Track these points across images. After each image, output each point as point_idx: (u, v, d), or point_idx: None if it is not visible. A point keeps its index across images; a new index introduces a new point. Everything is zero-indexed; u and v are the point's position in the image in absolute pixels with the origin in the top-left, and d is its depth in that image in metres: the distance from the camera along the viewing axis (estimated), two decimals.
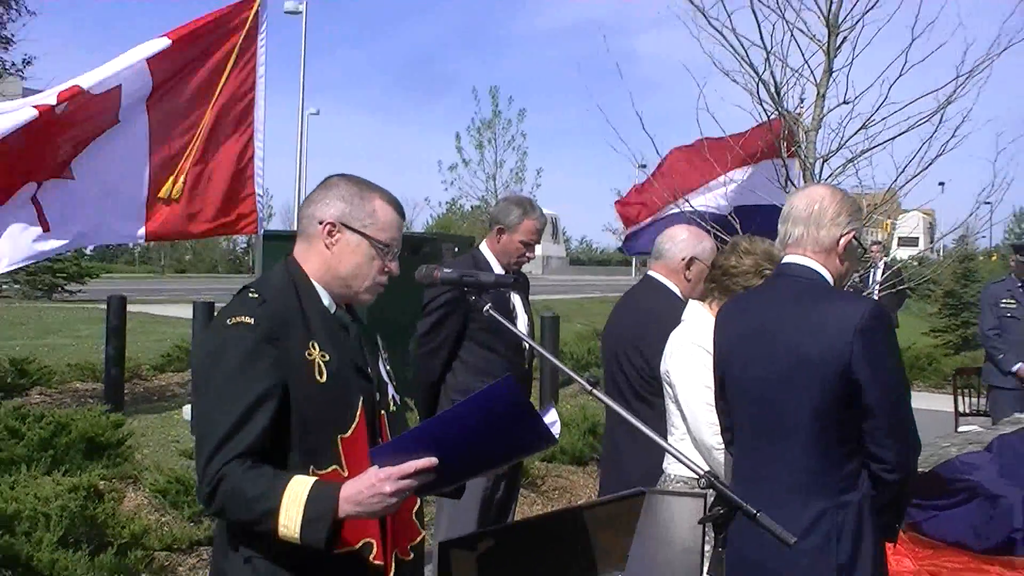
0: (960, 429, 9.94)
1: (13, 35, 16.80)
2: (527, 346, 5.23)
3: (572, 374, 2.52)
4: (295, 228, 3.17)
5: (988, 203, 8.48)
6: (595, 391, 2.47)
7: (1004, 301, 9.55)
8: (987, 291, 10.04)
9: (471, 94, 33.54)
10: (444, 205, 42.11)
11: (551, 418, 2.87)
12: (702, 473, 2.34)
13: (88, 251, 38.74)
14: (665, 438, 4.09)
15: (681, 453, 2.50)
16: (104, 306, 11.63)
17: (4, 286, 31.76)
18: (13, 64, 16.93)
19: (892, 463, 3.16)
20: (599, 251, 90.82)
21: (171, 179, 6.01)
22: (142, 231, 5.64)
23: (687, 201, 8.06)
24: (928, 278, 9.11)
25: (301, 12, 33.48)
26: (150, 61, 5.65)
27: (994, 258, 36.46)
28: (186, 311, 23.42)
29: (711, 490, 2.35)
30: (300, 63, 35.78)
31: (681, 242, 4.65)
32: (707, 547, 2.90)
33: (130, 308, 12.35)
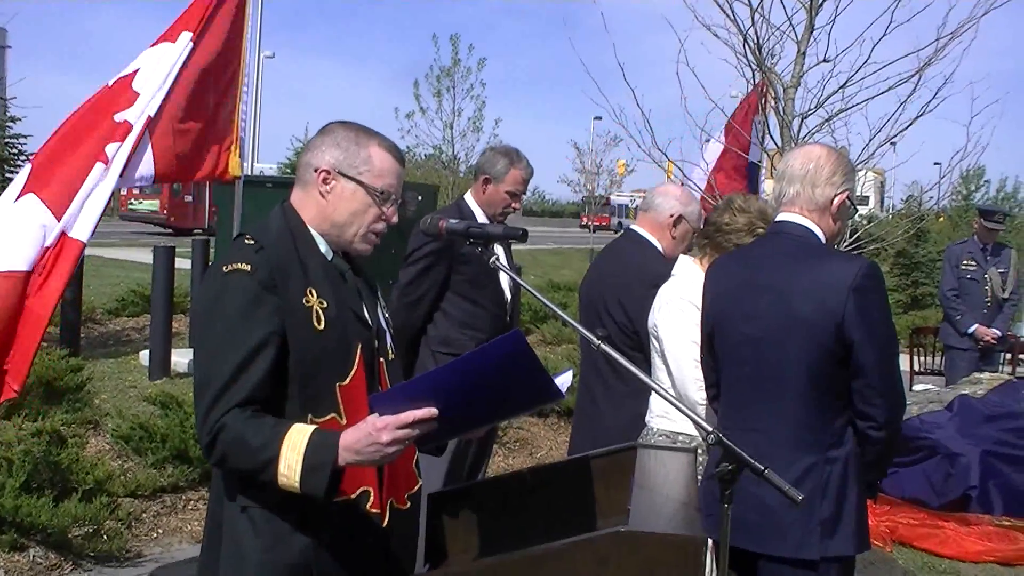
0: (915, 388, 10.12)
1: None
2: (508, 299, 5.24)
3: (583, 330, 2.52)
4: (254, 173, 3.08)
5: (938, 164, 8.58)
6: (603, 346, 2.45)
7: (965, 262, 9.68)
8: (949, 252, 10.17)
9: (431, 41, 32.99)
10: None
11: (565, 380, 2.84)
12: (711, 430, 2.34)
13: None
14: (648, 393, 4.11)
15: (691, 411, 2.49)
16: None
17: None
18: None
19: (880, 421, 3.20)
20: (552, 203, 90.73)
21: (233, 150, 5.93)
22: (151, 173, 5.54)
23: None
24: (878, 237, 9.14)
25: None
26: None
27: (941, 219, 36.82)
28: (137, 254, 23.20)
29: (718, 446, 2.34)
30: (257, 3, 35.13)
31: (673, 199, 4.64)
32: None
33: None
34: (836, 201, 3.36)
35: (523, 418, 9.38)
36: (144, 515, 6.29)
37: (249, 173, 7.15)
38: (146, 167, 5.45)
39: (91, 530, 5.72)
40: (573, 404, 5.07)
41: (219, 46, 5.83)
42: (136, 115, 5.33)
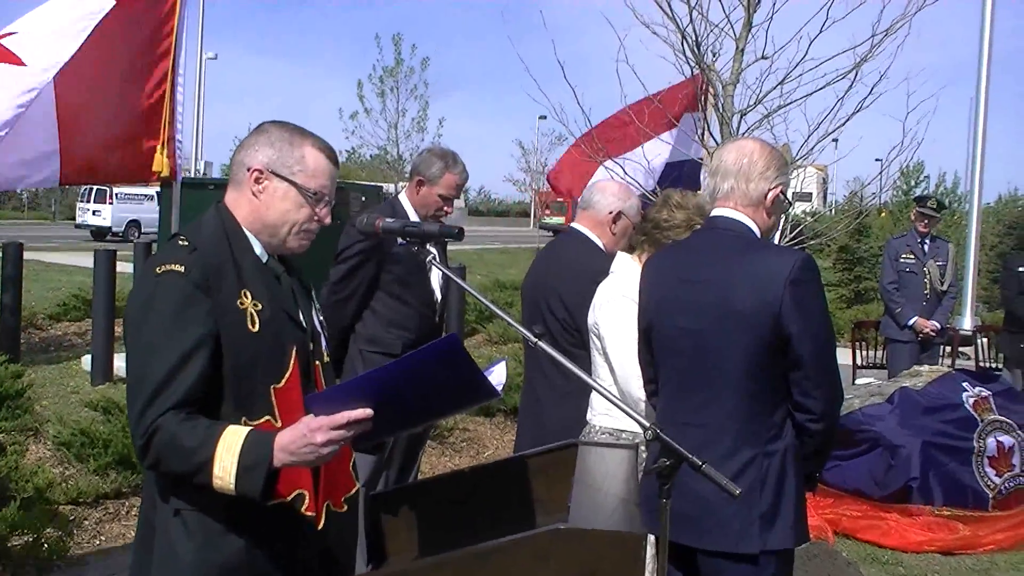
0: (857, 381, 10.23)
1: None
2: (438, 299, 5.24)
3: (519, 328, 2.52)
4: (195, 176, 3.05)
5: (879, 160, 8.71)
6: (540, 343, 2.46)
7: (904, 256, 9.81)
8: (889, 245, 10.32)
9: (373, 41, 33.16)
10: (344, 154, 41.37)
11: (500, 372, 2.85)
12: (648, 425, 2.35)
13: None
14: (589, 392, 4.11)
15: (630, 408, 2.50)
16: None
17: None
18: None
19: (818, 413, 3.23)
20: (498, 202, 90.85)
21: (159, 149, 5.76)
22: (57, 174, 5.34)
23: (616, 162, 7.95)
24: (822, 233, 9.28)
25: None
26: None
27: (882, 214, 37.31)
28: (80, 259, 22.95)
29: (656, 442, 2.35)
30: (198, 4, 35.14)
31: (611, 195, 4.67)
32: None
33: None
34: (770, 195, 3.39)
35: (469, 418, 9.38)
36: (86, 522, 6.21)
37: (192, 175, 7.06)
38: (51, 167, 5.29)
39: (31, 538, 5.63)
40: (519, 403, 5.07)
41: (144, 44, 5.69)
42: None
